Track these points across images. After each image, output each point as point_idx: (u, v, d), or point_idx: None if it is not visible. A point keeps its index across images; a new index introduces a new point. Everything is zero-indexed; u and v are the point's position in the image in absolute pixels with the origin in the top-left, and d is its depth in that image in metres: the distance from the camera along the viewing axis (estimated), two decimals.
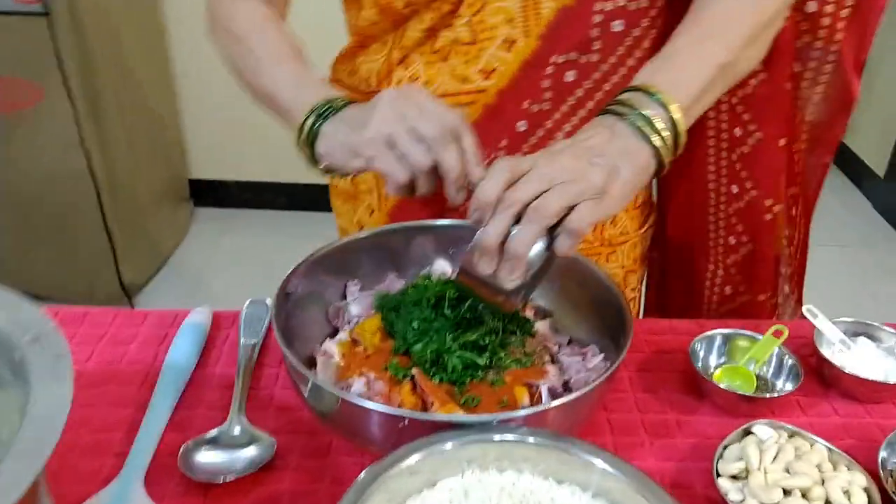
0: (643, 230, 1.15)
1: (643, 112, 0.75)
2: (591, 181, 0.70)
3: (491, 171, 0.72)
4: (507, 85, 0.97)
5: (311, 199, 3.21)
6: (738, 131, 1.08)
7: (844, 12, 0.99)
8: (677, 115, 0.76)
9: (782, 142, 1.07)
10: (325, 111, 0.84)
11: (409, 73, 1.02)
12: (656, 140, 0.74)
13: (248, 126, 3.01)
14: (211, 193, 3.28)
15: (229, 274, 2.91)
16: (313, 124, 0.84)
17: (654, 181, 1.17)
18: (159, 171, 2.95)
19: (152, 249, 2.89)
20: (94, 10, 2.35)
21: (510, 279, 0.71)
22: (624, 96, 0.77)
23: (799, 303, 1.23)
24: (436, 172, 0.77)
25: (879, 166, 3.49)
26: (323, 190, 1.20)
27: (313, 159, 0.86)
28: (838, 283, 2.97)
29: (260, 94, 0.94)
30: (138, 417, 0.82)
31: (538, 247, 0.71)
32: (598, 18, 0.93)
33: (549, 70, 0.96)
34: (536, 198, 0.69)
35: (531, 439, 0.67)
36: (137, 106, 2.72)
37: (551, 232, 0.71)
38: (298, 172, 3.16)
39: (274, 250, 3.03)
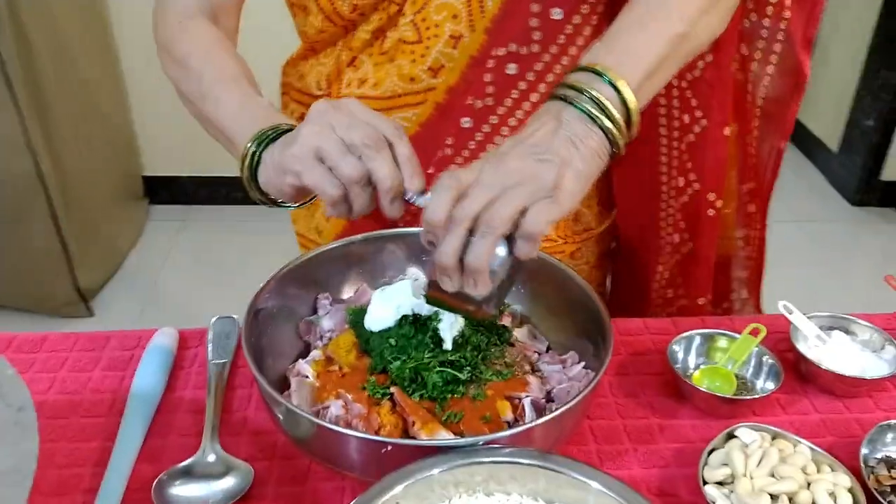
0: (606, 225, 1.14)
1: (591, 93, 0.70)
2: (541, 180, 0.67)
3: (436, 188, 0.68)
4: (457, 82, 0.95)
5: None
6: (686, 118, 1.05)
7: None
8: (628, 94, 0.71)
9: (727, 130, 1.04)
10: (265, 139, 0.79)
11: (358, 75, 0.99)
12: (607, 123, 0.70)
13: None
14: (166, 190, 3.21)
15: (189, 272, 2.85)
16: (254, 153, 0.79)
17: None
18: (112, 170, 2.88)
19: (108, 250, 2.82)
20: (36, 9, 2.28)
21: (477, 292, 0.69)
22: (571, 78, 0.73)
23: (758, 308, 1.20)
24: (370, 184, 0.72)
25: (832, 140, 3.55)
26: None
27: (259, 191, 0.81)
28: (795, 258, 3.01)
29: (205, 121, 0.90)
30: (106, 449, 0.78)
31: (499, 255, 0.68)
32: (535, 8, 0.91)
33: (491, 64, 0.94)
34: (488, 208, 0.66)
35: (519, 459, 0.66)
36: (86, 105, 2.64)
37: (510, 237, 0.68)
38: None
39: (233, 246, 2.99)
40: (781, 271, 2.75)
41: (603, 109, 0.70)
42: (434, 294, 0.72)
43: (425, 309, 0.80)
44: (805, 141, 3.77)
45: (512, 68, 0.95)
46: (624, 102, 0.71)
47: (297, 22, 1.02)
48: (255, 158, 0.78)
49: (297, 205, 0.83)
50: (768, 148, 1.08)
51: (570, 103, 0.70)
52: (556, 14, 0.92)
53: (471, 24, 0.92)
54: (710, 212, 1.09)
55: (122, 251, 2.91)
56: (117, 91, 2.92)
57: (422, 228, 0.79)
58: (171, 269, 2.87)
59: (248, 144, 0.79)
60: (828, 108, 3.58)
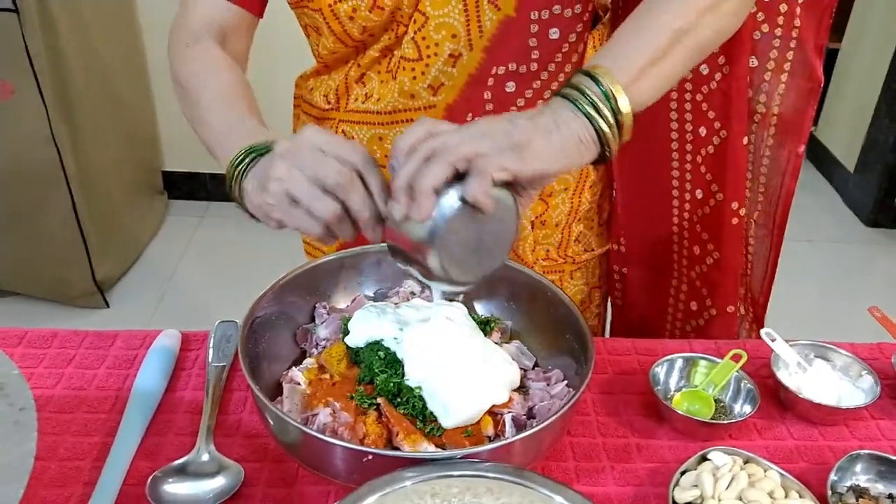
0: (607, 247, 1.17)
1: (589, 96, 0.72)
2: (508, 136, 0.69)
3: (412, 126, 0.71)
4: (455, 100, 0.98)
5: None
6: (702, 130, 1.08)
7: None
8: (621, 99, 0.73)
9: (745, 140, 1.08)
10: (244, 162, 0.78)
11: (365, 90, 1.03)
12: (601, 124, 0.72)
13: None
14: (185, 186, 3.26)
15: (205, 268, 2.90)
16: (236, 180, 0.79)
17: (615, 193, 1.18)
18: (132, 164, 2.93)
19: (126, 243, 2.87)
20: (65, 5, 2.33)
21: (420, 223, 0.68)
22: (572, 80, 0.75)
23: (760, 320, 1.23)
24: (349, 215, 0.72)
25: (850, 160, 3.54)
26: None
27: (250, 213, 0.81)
28: (806, 277, 3.01)
29: (201, 138, 0.92)
30: (106, 444, 0.82)
31: (452, 196, 0.69)
32: (534, 28, 0.94)
33: (490, 82, 0.97)
34: None
35: (493, 474, 0.69)
36: (110, 99, 2.69)
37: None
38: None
39: (249, 243, 3.03)
40: (791, 289, 2.77)
41: (598, 110, 0.72)
42: (391, 243, 0.74)
43: (394, 337, 0.83)
44: (822, 160, 3.77)
45: (511, 86, 0.98)
46: (616, 105, 0.73)
47: (311, 42, 1.06)
48: (240, 186, 0.79)
49: None
50: (786, 154, 1.10)
51: (568, 100, 0.72)
52: (554, 34, 0.95)
53: (469, 43, 0.96)
54: (734, 220, 1.12)
55: (140, 245, 2.96)
56: (141, 86, 2.98)
57: None
58: (187, 265, 2.92)
59: (229, 171, 0.79)
60: (846, 128, 3.58)
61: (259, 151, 0.77)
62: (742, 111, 1.07)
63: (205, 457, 0.81)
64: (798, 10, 1.01)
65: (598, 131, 0.72)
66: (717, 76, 1.04)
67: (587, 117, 0.72)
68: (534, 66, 0.97)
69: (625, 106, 0.73)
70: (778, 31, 1.03)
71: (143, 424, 0.85)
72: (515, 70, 0.97)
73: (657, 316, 1.23)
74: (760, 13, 1.03)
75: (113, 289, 2.75)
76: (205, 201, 3.28)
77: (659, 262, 1.20)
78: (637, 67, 0.75)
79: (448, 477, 0.69)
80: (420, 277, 0.77)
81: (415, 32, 0.96)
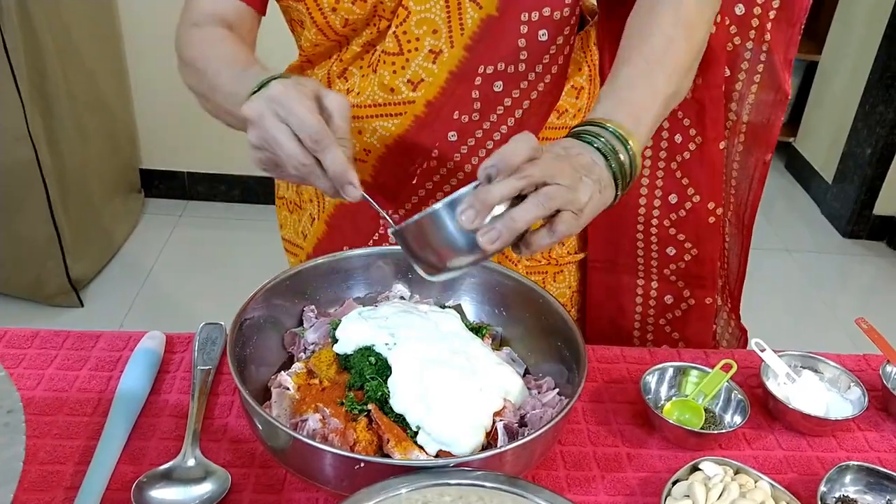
0: (586, 252, 1.17)
1: (611, 144, 0.77)
2: (579, 195, 0.72)
3: (517, 139, 0.72)
4: (436, 96, 0.98)
5: (265, 191, 3.18)
6: (678, 137, 1.11)
7: (772, 13, 1.04)
8: (635, 149, 0.78)
9: (721, 144, 1.11)
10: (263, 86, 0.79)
11: (347, 86, 1.02)
12: (618, 173, 0.77)
13: (201, 116, 2.95)
14: (162, 184, 3.23)
15: (181, 268, 2.87)
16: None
17: None
18: (110, 162, 2.89)
19: (101, 242, 2.83)
20: (44, 1, 2.29)
21: (487, 243, 0.70)
22: (589, 127, 0.79)
23: (737, 319, 1.24)
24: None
25: (828, 171, 3.58)
26: (276, 183, 1.19)
27: None
28: (782, 286, 3.04)
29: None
30: (90, 447, 0.81)
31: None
32: (524, 29, 0.95)
33: (478, 81, 0.97)
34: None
35: (486, 483, 0.68)
36: (88, 96, 2.66)
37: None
38: (252, 165, 3.12)
39: (227, 244, 3.01)
40: (768, 298, 2.80)
41: (619, 161, 0.77)
42: (408, 233, 0.74)
43: (385, 343, 0.83)
44: (801, 170, 3.81)
45: (498, 85, 0.98)
46: (630, 157, 0.78)
47: (296, 36, 1.05)
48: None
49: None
50: (754, 161, 1.13)
51: (597, 149, 0.77)
52: (542, 35, 0.96)
53: (450, 40, 0.95)
54: (711, 219, 1.14)
55: (115, 243, 2.92)
56: (120, 83, 2.94)
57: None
58: (163, 264, 2.89)
59: (267, 77, 0.79)
60: (825, 139, 3.62)
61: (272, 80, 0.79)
62: (717, 119, 1.09)
63: (191, 462, 0.79)
64: (769, 24, 1.05)
65: (616, 195, 0.78)
66: (691, 87, 1.05)
67: (614, 180, 0.77)
68: (522, 67, 0.98)
69: (637, 158, 0.79)
70: (749, 45, 1.07)
71: (127, 428, 0.84)
72: (504, 70, 0.97)
73: (623, 316, 1.24)
74: (733, 26, 1.06)
75: (87, 288, 2.71)
76: (182, 200, 3.25)
77: (622, 268, 1.21)
78: (647, 129, 0.82)
79: (441, 485, 0.68)
80: (421, 272, 0.76)
81: (396, 26, 0.96)
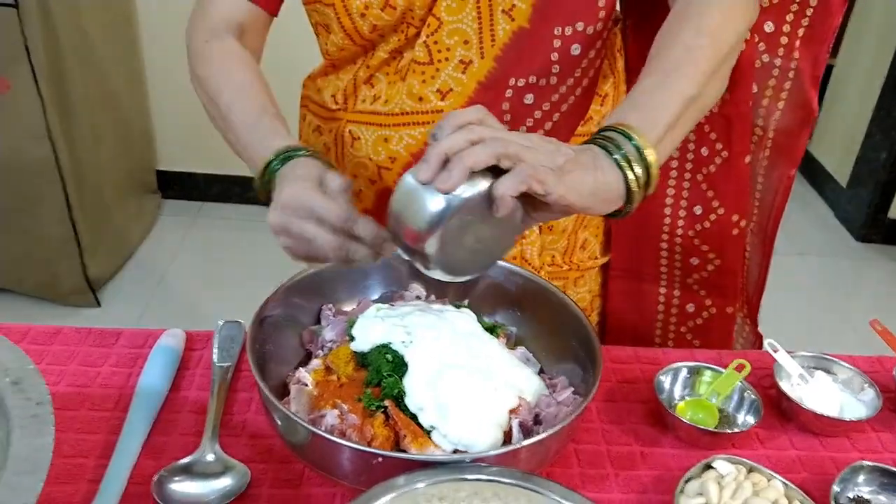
0: (609, 256, 1.18)
1: (622, 148, 0.75)
2: (553, 156, 0.70)
3: (468, 107, 0.72)
4: (463, 106, 0.98)
5: None
6: (704, 150, 1.11)
7: (801, 31, 1.04)
8: (650, 156, 0.76)
9: (747, 159, 1.11)
10: (284, 158, 0.83)
11: (373, 92, 1.03)
12: (630, 175, 0.75)
13: None
14: (179, 185, 3.25)
15: (197, 269, 2.89)
16: (269, 179, 0.84)
17: None
18: (127, 163, 2.92)
19: (118, 242, 2.86)
20: (64, 2, 2.32)
21: (442, 190, 0.68)
22: (603, 133, 0.77)
23: (755, 326, 1.25)
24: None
25: (842, 175, 3.57)
26: None
27: None
28: (796, 290, 3.03)
29: (224, 135, 0.96)
30: (111, 442, 0.82)
31: (477, 184, 0.69)
32: (557, 43, 0.95)
33: (509, 93, 0.98)
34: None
35: (502, 479, 0.69)
36: (106, 97, 2.68)
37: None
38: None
39: (242, 245, 3.03)
40: (781, 302, 2.78)
41: (630, 164, 0.75)
42: (396, 228, 0.73)
43: (402, 341, 0.84)
44: (815, 174, 3.80)
45: (529, 98, 0.99)
46: (646, 162, 0.76)
47: (320, 41, 1.06)
48: (271, 177, 0.83)
49: None
50: (778, 175, 1.14)
51: (605, 150, 0.75)
52: (575, 50, 0.96)
53: (481, 50, 0.96)
54: (735, 231, 1.15)
55: (132, 244, 2.95)
56: (137, 85, 2.97)
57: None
58: (179, 265, 2.91)
59: (271, 160, 0.84)
60: (839, 143, 3.61)
61: (277, 168, 0.83)
62: (744, 133, 1.10)
63: (210, 457, 0.80)
64: (797, 42, 1.05)
65: (628, 185, 0.74)
66: (719, 102, 1.05)
67: (620, 170, 0.74)
68: (553, 80, 0.98)
69: (653, 163, 0.76)
70: (777, 62, 1.07)
71: (147, 423, 0.85)
72: (535, 83, 0.98)
73: (644, 323, 1.24)
74: (762, 43, 1.06)
75: (104, 288, 2.73)
76: (198, 201, 3.27)
77: (644, 276, 1.22)
78: (661, 130, 0.78)
79: (458, 481, 0.69)
80: (420, 267, 0.76)
81: (427, 36, 0.96)
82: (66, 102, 2.41)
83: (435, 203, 0.69)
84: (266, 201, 0.83)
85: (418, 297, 0.99)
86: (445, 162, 0.69)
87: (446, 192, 0.68)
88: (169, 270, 2.87)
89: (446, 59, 0.97)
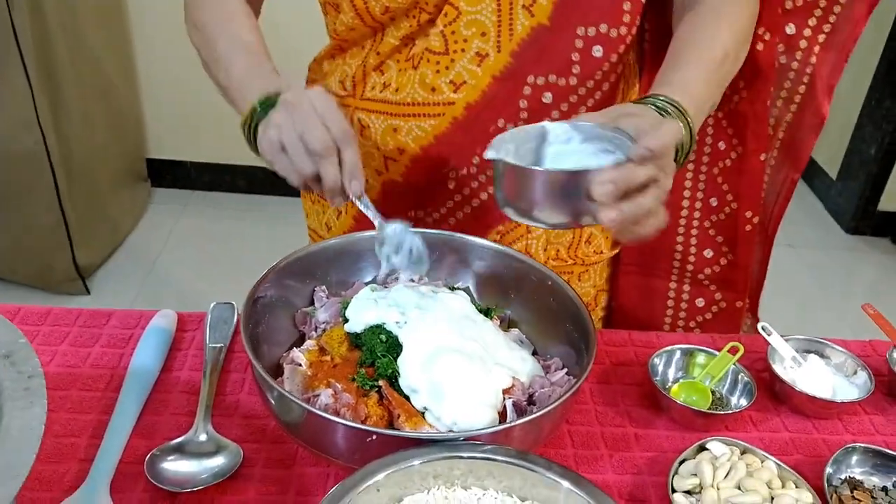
0: (616, 250, 1.17)
1: (674, 117, 0.80)
2: (667, 189, 0.75)
3: (663, 129, 0.73)
4: (477, 100, 0.97)
5: (271, 182, 3.17)
6: (721, 144, 1.12)
7: (822, 37, 1.04)
8: (694, 129, 0.83)
9: (763, 157, 1.11)
10: (268, 104, 0.85)
11: (382, 79, 1.02)
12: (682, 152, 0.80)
13: (208, 106, 2.96)
14: (169, 174, 3.24)
15: (187, 256, 2.88)
16: (252, 122, 0.86)
17: None
18: (117, 150, 2.90)
19: (108, 231, 2.84)
20: None
21: (607, 218, 0.71)
22: (657, 101, 0.82)
23: (754, 316, 1.25)
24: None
25: (832, 167, 3.58)
26: None
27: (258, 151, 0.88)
28: (786, 282, 3.04)
29: (217, 85, 0.96)
30: (102, 422, 0.81)
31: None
32: (579, 43, 0.94)
33: (527, 90, 0.97)
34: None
35: (497, 457, 0.69)
36: (95, 84, 2.66)
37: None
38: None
39: (232, 234, 3.02)
40: (771, 293, 2.79)
41: (685, 143, 0.81)
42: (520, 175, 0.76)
43: (395, 321, 0.84)
44: (805, 166, 3.80)
45: (547, 97, 0.98)
46: (690, 129, 0.82)
47: (328, 20, 1.05)
48: (255, 122, 0.86)
49: None
50: (782, 177, 1.16)
51: (671, 118, 0.80)
52: (597, 51, 0.96)
53: (498, 44, 0.95)
54: (748, 227, 1.16)
55: (122, 232, 2.93)
56: (127, 72, 2.95)
57: (416, 231, 0.87)
58: (169, 253, 2.90)
59: (247, 114, 0.87)
60: (830, 135, 3.62)
61: (272, 102, 0.85)
62: (759, 131, 1.10)
63: (202, 436, 0.80)
64: (816, 47, 1.06)
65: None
66: (736, 98, 1.08)
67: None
68: (573, 81, 0.97)
69: (695, 131, 0.83)
70: (794, 65, 1.08)
71: (139, 403, 0.84)
72: (555, 82, 0.97)
73: (652, 318, 1.24)
74: (781, 45, 1.06)
75: (94, 276, 2.72)
76: (189, 190, 3.25)
77: (656, 271, 1.22)
78: (698, 102, 0.85)
79: (452, 458, 0.69)
80: (515, 216, 0.79)
81: (444, 26, 0.95)
82: (56, 90, 2.40)
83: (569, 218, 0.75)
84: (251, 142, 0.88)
85: (411, 280, 0.98)
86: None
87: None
88: (159, 259, 2.86)
89: (462, 50, 0.96)
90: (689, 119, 0.82)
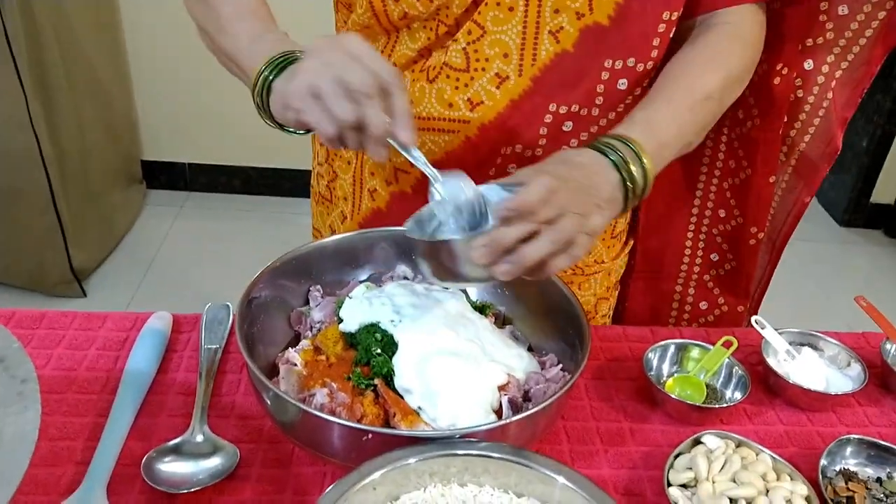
0: (618, 259, 1.17)
1: (630, 167, 0.80)
2: (592, 220, 0.76)
3: (536, 182, 0.72)
4: (491, 121, 0.96)
5: (266, 183, 3.18)
6: (732, 163, 1.14)
7: (839, 73, 1.06)
8: (650, 169, 0.82)
9: (772, 179, 1.13)
10: (276, 65, 0.80)
11: None
12: (630, 189, 0.81)
13: (203, 107, 2.97)
14: (164, 176, 3.23)
15: (183, 257, 2.87)
16: (266, 79, 0.80)
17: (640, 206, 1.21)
18: (111, 152, 2.89)
19: (103, 232, 2.84)
20: None
21: (500, 274, 0.72)
22: (607, 140, 0.82)
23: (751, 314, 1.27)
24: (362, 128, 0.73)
25: None
26: (278, 174, 1.18)
27: (270, 117, 0.82)
28: (779, 274, 3.04)
29: (222, 54, 0.91)
30: (99, 424, 0.81)
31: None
32: (605, 75, 0.94)
33: (549, 118, 0.96)
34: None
35: (493, 454, 0.70)
36: (89, 85, 2.66)
37: None
38: (253, 156, 3.13)
39: (228, 235, 3.01)
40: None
41: (632, 178, 0.81)
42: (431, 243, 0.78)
43: (391, 320, 0.84)
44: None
45: (568, 126, 0.97)
46: (644, 173, 0.82)
47: (338, 17, 1.03)
48: (266, 85, 0.80)
49: (304, 132, 0.84)
50: (794, 198, 1.18)
51: (615, 166, 0.80)
52: (622, 84, 0.95)
53: (520, 67, 0.93)
54: (752, 241, 1.18)
55: (118, 234, 2.93)
56: (121, 74, 2.94)
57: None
58: (165, 255, 2.89)
59: (262, 68, 0.80)
60: None
61: (290, 59, 0.79)
62: (770, 156, 1.12)
63: (199, 437, 0.80)
64: (833, 83, 1.07)
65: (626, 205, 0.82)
66: (749, 124, 1.10)
67: (625, 194, 0.81)
68: (595, 112, 0.97)
69: (650, 179, 0.83)
70: (811, 99, 1.09)
71: (135, 405, 0.84)
72: (577, 112, 0.96)
73: (656, 322, 1.26)
74: (799, 78, 1.08)
75: (89, 278, 2.71)
76: (184, 191, 3.25)
77: (663, 276, 1.24)
78: (657, 142, 0.85)
79: (448, 456, 0.69)
80: (429, 276, 0.79)
81: (467, 43, 0.93)
82: (48, 91, 2.39)
83: (485, 277, 0.75)
84: (264, 109, 0.82)
85: (406, 278, 0.98)
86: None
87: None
88: (154, 261, 2.86)
89: (483, 69, 0.94)
90: (642, 158, 0.82)
